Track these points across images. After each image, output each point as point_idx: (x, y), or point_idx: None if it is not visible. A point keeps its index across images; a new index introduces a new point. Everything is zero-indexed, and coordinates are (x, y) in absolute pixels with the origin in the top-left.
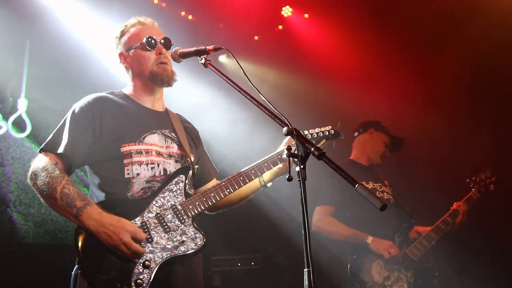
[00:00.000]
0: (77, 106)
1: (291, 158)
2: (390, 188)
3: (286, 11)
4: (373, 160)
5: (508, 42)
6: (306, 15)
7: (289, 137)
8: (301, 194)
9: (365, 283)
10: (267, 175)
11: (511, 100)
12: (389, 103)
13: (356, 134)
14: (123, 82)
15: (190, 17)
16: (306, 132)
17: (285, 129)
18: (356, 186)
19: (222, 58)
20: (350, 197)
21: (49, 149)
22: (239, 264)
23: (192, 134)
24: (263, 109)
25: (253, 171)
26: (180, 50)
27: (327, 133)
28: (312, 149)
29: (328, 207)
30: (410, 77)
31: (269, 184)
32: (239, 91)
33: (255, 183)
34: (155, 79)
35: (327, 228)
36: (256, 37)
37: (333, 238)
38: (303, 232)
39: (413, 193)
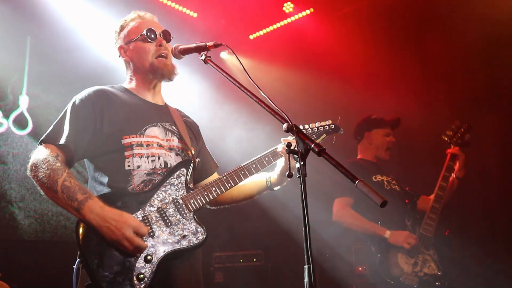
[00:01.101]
0: (77, 98)
1: (291, 155)
2: (394, 180)
3: (288, 7)
4: (381, 156)
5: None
6: (311, 10)
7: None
8: (301, 191)
9: (398, 278)
10: (274, 178)
11: None
12: (392, 97)
13: (357, 143)
14: (124, 77)
15: (191, 13)
16: (306, 126)
17: (285, 125)
18: (356, 182)
19: (224, 55)
20: None
21: (50, 140)
22: (241, 261)
23: (192, 128)
24: (263, 106)
25: (253, 165)
26: (180, 47)
27: (327, 128)
28: (312, 146)
29: (347, 198)
30: (414, 70)
31: (276, 188)
32: (239, 88)
33: (261, 183)
34: (155, 73)
35: (347, 219)
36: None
37: (353, 229)
38: (303, 229)
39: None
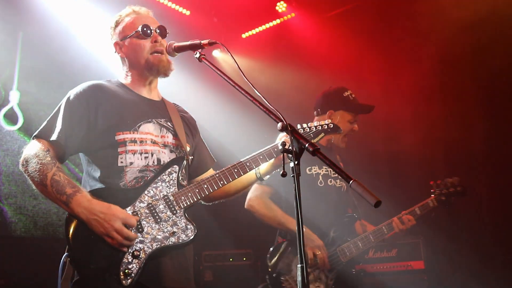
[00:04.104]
0: (72, 93)
1: (285, 154)
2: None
3: (281, 6)
4: (337, 143)
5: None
6: (292, 15)
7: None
8: (295, 190)
9: (282, 274)
10: (263, 168)
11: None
12: (384, 95)
13: (314, 113)
14: (116, 74)
15: (184, 10)
16: (304, 125)
17: (279, 124)
18: (351, 182)
19: (216, 53)
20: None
21: (43, 136)
22: (230, 260)
23: (189, 124)
24: (258, 104)
25: (248, 163)
26: (174, 44)
27: (325, 127)
28: (306, 145)
29: (266, 187)
30: (403, 68)
31: (266, 177)
32: (233, 86)
33: (251, 175)
34: (150, 69)
35: (261, 210)
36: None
37: (265, 221)
38: (296, 228)
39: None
